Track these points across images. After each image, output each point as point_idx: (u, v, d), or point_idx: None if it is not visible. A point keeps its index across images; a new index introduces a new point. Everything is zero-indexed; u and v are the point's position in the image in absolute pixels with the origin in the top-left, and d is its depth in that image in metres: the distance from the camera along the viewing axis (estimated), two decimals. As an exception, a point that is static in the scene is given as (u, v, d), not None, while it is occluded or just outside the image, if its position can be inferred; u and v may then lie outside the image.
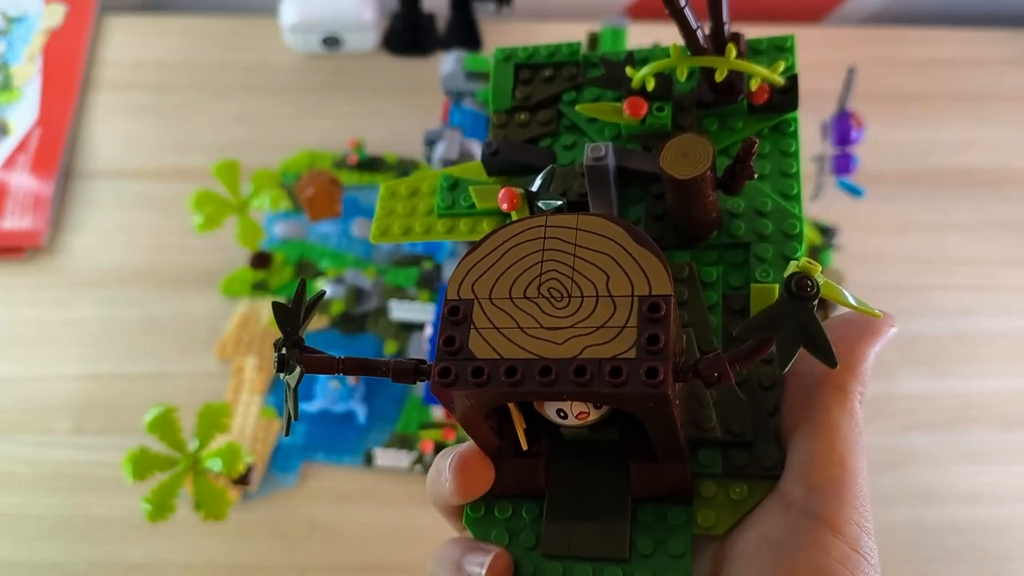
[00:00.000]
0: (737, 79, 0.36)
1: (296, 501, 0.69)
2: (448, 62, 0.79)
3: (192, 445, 0.61)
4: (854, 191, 0.69)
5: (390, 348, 0.74)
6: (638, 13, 0.97)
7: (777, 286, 0.32)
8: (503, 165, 0.38)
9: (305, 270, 0.79)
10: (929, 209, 0.83)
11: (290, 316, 0.29)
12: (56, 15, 0.94)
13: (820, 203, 0.74)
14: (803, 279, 0.26)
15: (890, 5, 0.97)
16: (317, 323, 0.75)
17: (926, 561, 0.68)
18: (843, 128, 0.70)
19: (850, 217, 0.79)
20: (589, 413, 0.29)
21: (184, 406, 0.61)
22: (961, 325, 0.77)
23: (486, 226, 0.37)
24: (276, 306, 0.29)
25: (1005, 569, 0.67)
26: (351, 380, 0.71)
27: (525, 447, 0.30)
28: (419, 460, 0.70)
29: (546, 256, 0.29)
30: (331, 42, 0.90)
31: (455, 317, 0.29)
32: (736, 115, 0.37)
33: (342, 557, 0.67)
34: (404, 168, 0.84)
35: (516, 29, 0.92)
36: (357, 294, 0.77)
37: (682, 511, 0.30)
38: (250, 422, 0.72)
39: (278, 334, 0.29)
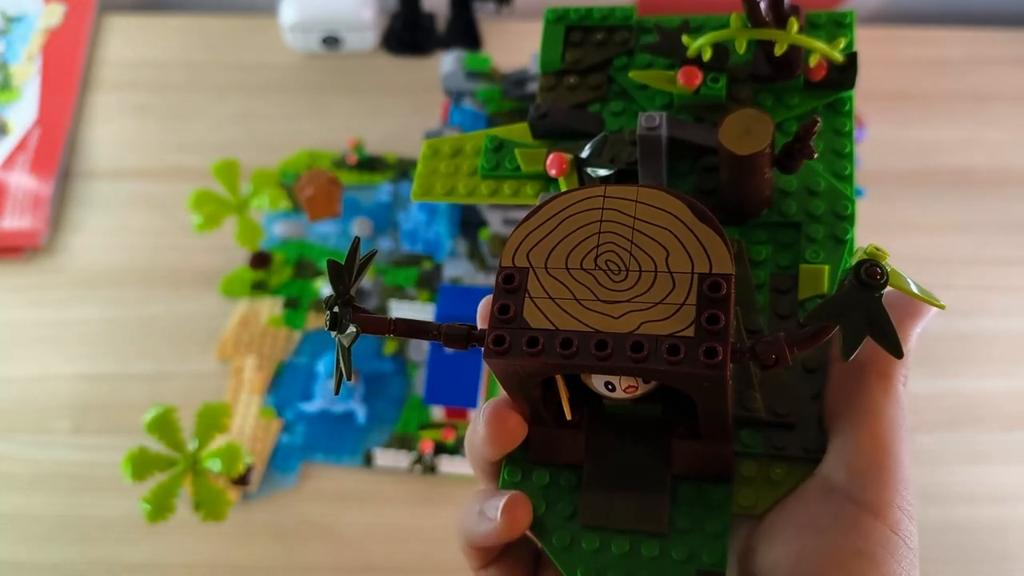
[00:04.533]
0: (794, 54, 0.35)
1: (296, 501, 0.69)
2: (448, 62, 0.79)
3: (191, 445, 0.60)
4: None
5: (390, 347, 0.74)
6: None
7: (827, 267, 0.32)
8: (550, 129, 0.37)
9: (304, 270, 0.79)
10: (929, 209, 0.83)
11: (343, 274, 0.29)
12: (55, 15, 0.94)
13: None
14: (873, 267, 0.25)
15: (890, 5, 0.97)
16: (317, 323, 0.75)
17: (926, 561, 0.67)
18: (843, 128, 0.70)
19: (850, 217, 0.79)
20: (638, 387, 0.29)
21: (183, 406, 0.61)
22: (962, 325, 0.77)
23: (530, 190, 0.36)
24: (331, 263, 0.29)
25: (1006, 569, 0.67)
26: (350, 380, 0.71)
27: (569, 417, 0.30)
28: (419, 460, 0.70)
29: (604, 227, 0.28)
30: (331, 42, 0.90)
31: (510, 285, 0.28)
32: (792, 91, 0.36)
33: (342, 557, 0.67)
34: (404, 168, 0.84)
35: (516, 29, 0.92)
36: (356, 294, 0.77)
37: (722, 490, 0.30)
38: (249, 422, 0.71)
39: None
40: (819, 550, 0.28)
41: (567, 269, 0.28)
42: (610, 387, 0.29)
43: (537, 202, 0.35)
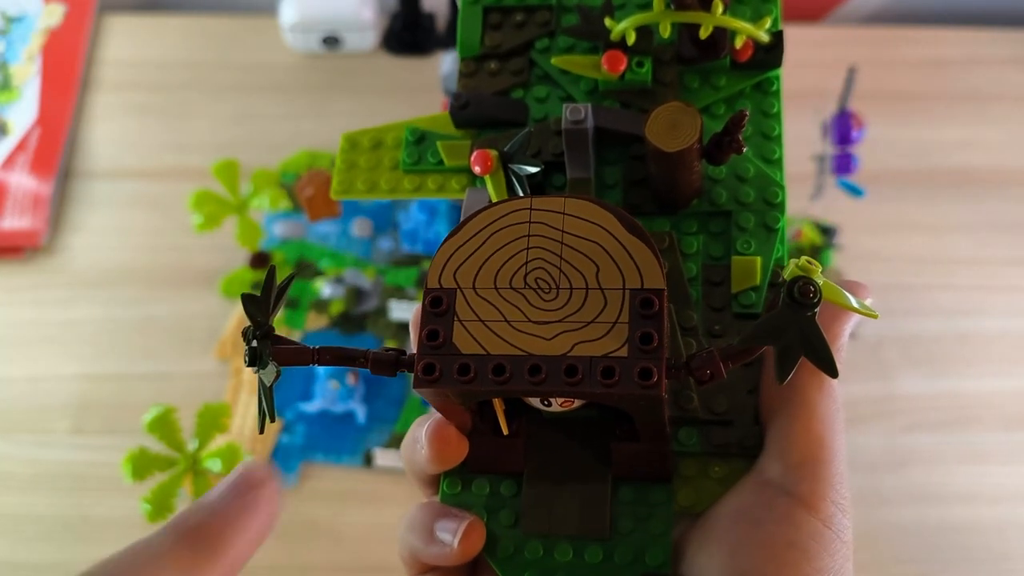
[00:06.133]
0: (720, 34, 0.34)
1: (296, 501, 0.69)
2: (448, 62, 0.79)
3: (191, 445, 0.60)
4: (854, 191, 0.69)
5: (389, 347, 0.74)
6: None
7: (759, 259, 0.32)
8: (472, 118, 0.36)
9: (304, 270, 0.79)
10: (929, 209, 0.83)
11: (260, 305, 0.27)
12: (55, 15, 0.94)
13: (820, 203, 0.74)
14: (806, 285, 0.25)
15: (890, 5, 0.97)
16: (316, 323, 0.75)
17: (926, 561, 0.67)
18: (843, 128, 0.70)
19: (850, 217, 0.79)
20: (574, 402, 0.28)
21: (183, 406, 0.61)
22: (962, 325, 0.77)
23: (455, 184, 0.35)
24: (245, 296, 0.27)
25: (1005, 569, 0.67)
26: (350, 380, 0.71)
27: (506, 432, 0.30)
28: (419, 460, 0.70)
29: (532, 243, 0.27)
30: (331, 42, 0.90)
31: (437, 308, 0.27)
32: (718, 72, 0.35)
33: (342, 557, 0.67)
34: (404, 168, 0.84)
35: (516, 29, 0.92)
36: (356, 294, 0.77)
37: (662, 490, 0.30)
38: (249, 422, 0.72)
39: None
40: (753, 542, 0.28)
41: (496, 289, 0.27)
42: (546, 403, 0.29)
43: (464, 197, 0.34)
